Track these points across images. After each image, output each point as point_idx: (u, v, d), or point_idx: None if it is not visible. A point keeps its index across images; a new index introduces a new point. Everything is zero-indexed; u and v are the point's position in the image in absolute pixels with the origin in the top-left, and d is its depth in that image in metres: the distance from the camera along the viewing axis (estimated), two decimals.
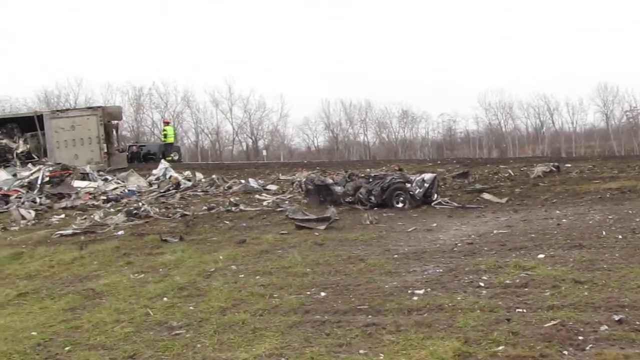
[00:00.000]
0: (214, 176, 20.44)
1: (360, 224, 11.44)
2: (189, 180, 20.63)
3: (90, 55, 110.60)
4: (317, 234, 10.67)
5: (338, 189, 14.01)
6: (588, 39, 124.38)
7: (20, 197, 19.83)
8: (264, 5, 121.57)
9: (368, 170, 18.06)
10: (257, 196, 16.50)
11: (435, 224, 11.08)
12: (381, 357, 5.07)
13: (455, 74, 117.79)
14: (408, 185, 13.34)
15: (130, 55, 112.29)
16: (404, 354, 5.09)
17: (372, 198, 13.35)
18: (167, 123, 38.85)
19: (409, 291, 6.78)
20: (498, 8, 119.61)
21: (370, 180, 13.86)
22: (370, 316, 6.06)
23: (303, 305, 6.60)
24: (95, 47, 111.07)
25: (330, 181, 14.47)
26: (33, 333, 6.72)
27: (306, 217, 11.63)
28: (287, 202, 15.02)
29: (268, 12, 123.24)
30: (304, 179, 15.73)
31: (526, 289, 6.52)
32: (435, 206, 13.04)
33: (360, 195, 13.56)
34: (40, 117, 27.65)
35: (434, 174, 14.11)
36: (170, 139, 34.57)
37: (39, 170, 22.78)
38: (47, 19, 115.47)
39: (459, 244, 9.10)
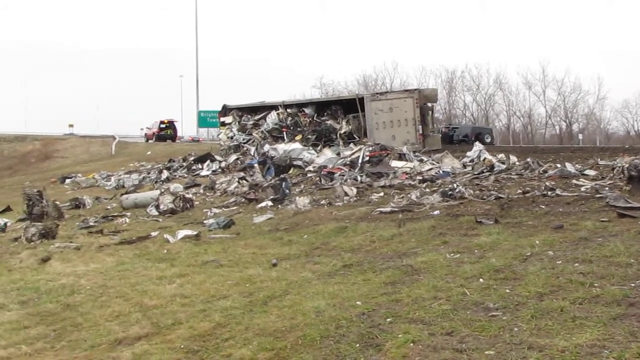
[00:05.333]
0: (528, 159, 20.01)
1: None
2: (503, 163, 20.44)
3: (405, 39, 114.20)
4: None
5: None
6: None
7: (343, 175, 21.29)
8: None
9: None
10: (574, 181, 15.82)
11: None
12: None
13: None
14: None
15: (444, 38, 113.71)
16: None
17: None
18: None
19: None
20: None
21: None
22: None
23: (627, 297, 6.24)
24: (411, 31, 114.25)
25: None
26: (358, 302, 7.25)
27: (629, 205, 10.94)
28: (607, 188, 14.21)
29: None
30: (627, 165, 14.73)
31: None
32: None
33: None
34: (361, 100, 29.18)
35: None
36: None
37: (359, 150, 24.28)
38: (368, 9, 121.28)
39: None
